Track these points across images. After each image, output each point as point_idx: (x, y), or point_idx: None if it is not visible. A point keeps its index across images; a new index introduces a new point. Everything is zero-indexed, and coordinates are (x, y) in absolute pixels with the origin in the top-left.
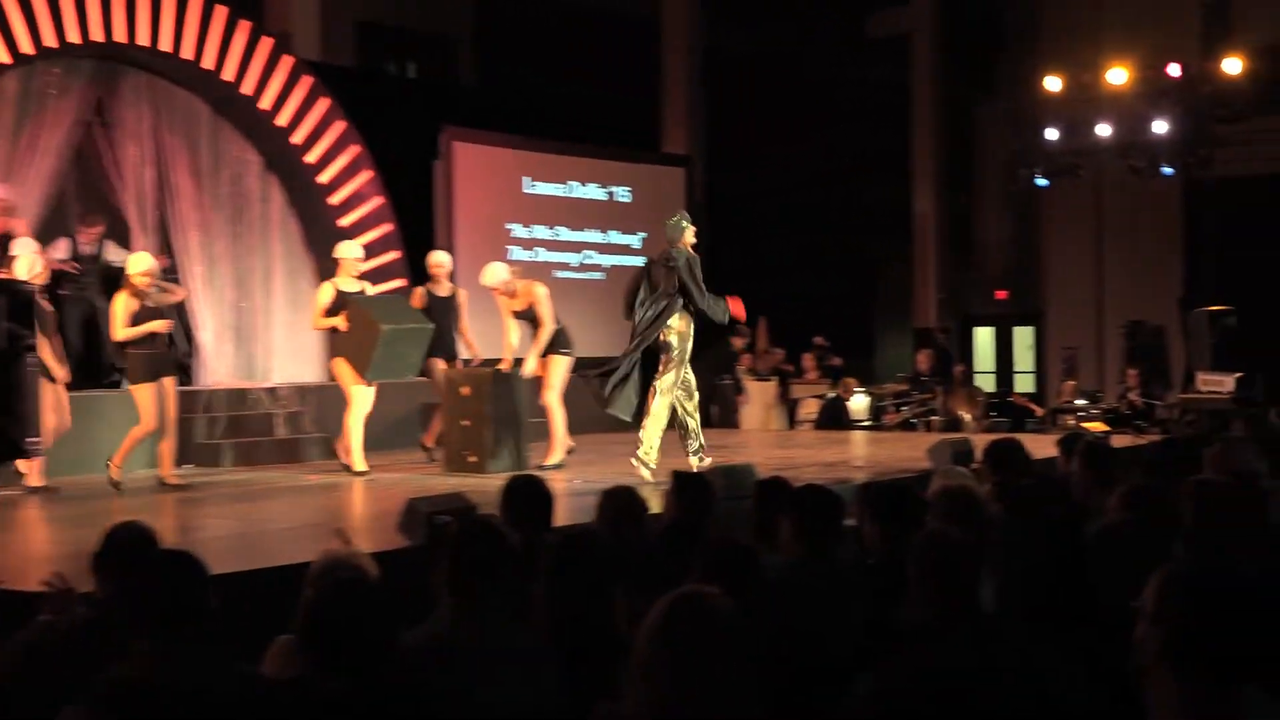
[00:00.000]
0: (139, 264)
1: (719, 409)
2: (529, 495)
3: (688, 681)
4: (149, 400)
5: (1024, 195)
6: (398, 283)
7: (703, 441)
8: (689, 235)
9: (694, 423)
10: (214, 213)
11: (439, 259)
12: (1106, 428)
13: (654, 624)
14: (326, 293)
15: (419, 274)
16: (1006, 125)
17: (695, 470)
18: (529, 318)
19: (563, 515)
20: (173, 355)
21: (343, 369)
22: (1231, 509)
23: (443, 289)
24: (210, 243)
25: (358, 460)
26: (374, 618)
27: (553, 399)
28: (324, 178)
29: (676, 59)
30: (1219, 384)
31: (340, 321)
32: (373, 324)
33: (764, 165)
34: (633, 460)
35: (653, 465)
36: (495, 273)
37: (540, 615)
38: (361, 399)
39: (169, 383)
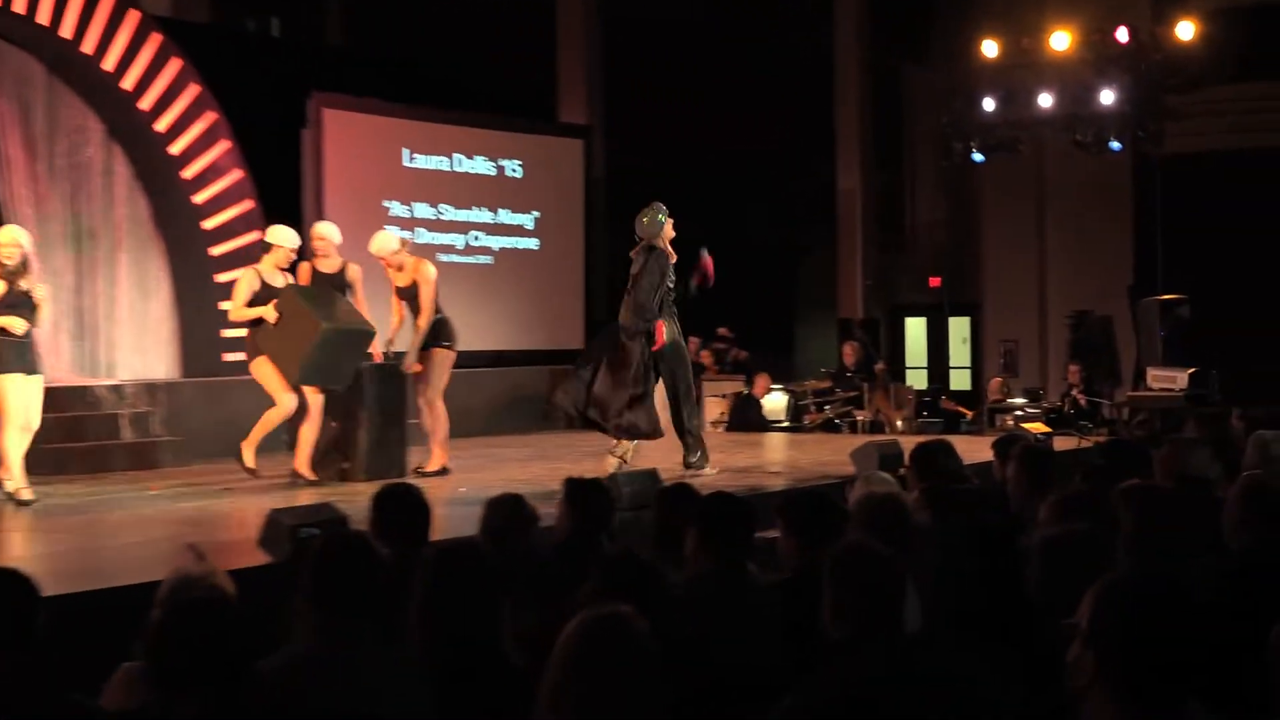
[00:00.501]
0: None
1: None
2: (402, 506)
3: (604, 710)
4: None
5: (958, 172)
6: None
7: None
8: (669, 230)
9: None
10: (49, 187)
11: (324, 231)
12: (1047, 429)
13: (567, 647)
14: (249, 281)
15: None
16: (939, 95)
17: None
18: (410, 298)
19: (447, 527)
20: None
21: (265, 370)
22: (1177, 518)
23: (329, 264)
24: (45, 221)
25: (302, 466)
26: (229, 641)
27: (434, 398)
28: (176, 148)
29: (573, 19)
30: (1170, 380)
31: (269, 312)
32: (310, 320)
33: (671, 138)
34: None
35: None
36: (385, 241)
37: (415, 637)
38: (289, 404)
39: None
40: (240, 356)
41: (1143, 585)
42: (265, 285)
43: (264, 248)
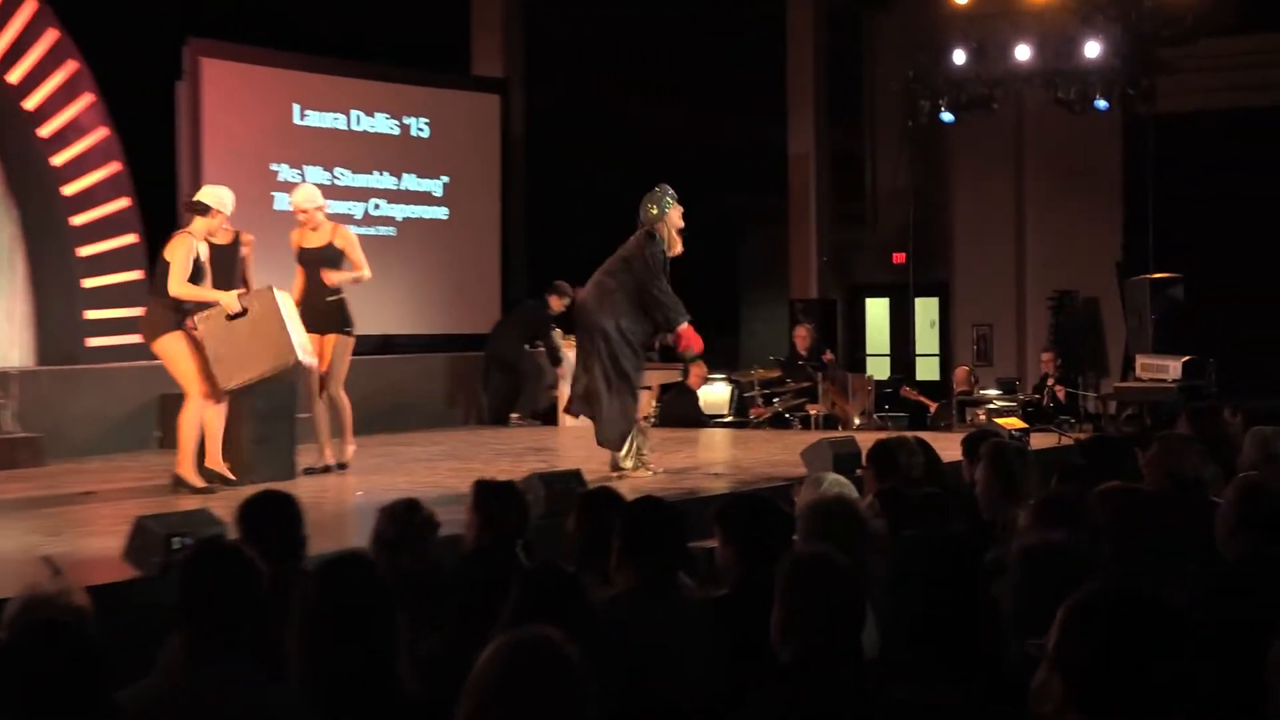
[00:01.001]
0: None
1: (520, 389)
2: (274, 514)
3: None
4: None
5: (926, 134)
6: (129, 238)
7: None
8: (675, 217)
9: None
10: None
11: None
12: (1023, 425)
13: (485, 676)
14: (187, 250)
15: (157, 227)
16: (904, 46)
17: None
18: (324, 261)
19: (340, 538)
20: None
21: (184, 357)
22: (1165, 523)
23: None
24: None
25: (189, 472)
26: (85, 667)
27: (337, 389)
28: (30, 103)
29: None
30: (1162, 370)
31: (230, 299)
32: (284, 340)
33: (599, 93)
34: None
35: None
36: (312, 193)
37: (296, 664)
38: (199, 407)
39: None
40: (108, 341)
41: (1118, 601)
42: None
43: (196, 209)
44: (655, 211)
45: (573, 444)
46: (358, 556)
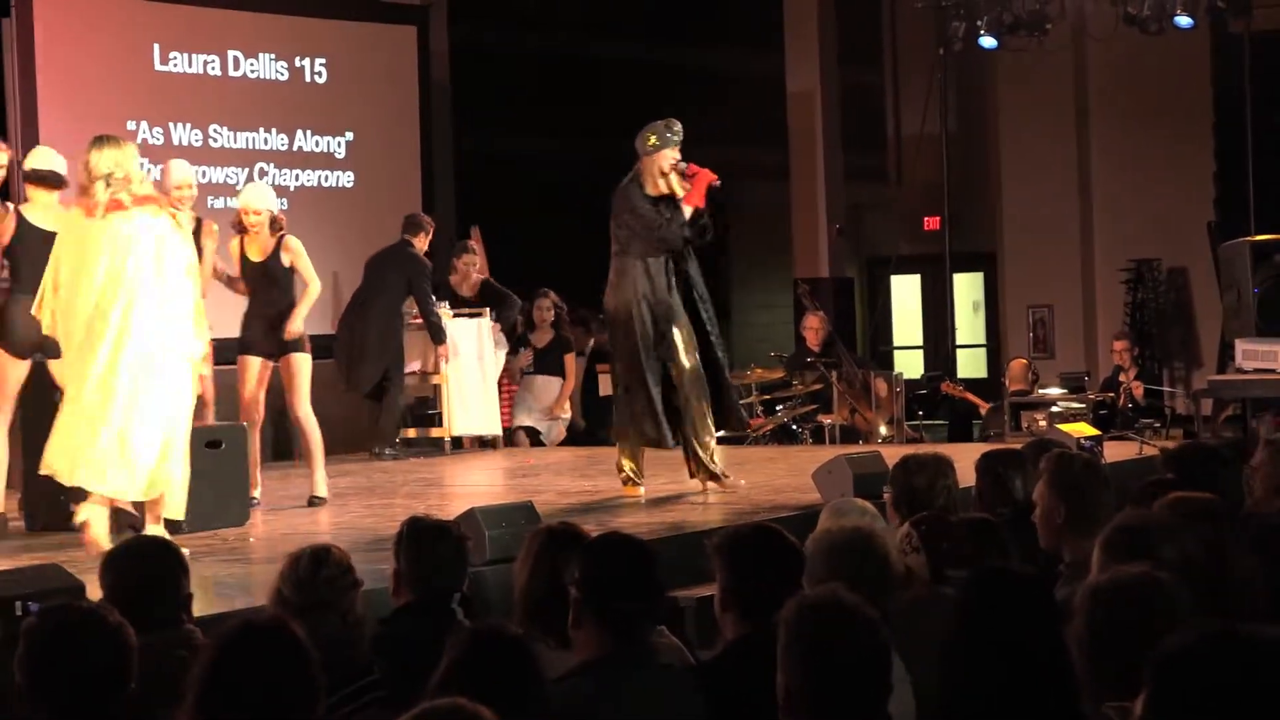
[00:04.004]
0: None
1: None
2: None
3: None
4: None
5: (962, 66)
6: None
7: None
8: (661, 160)
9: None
10: None
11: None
12: (1095, 431)
13: None
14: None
15: None
16: None
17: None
18: (272, 277)
19: (227, 596)
20: None
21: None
22: (1271, 551)
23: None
24: None
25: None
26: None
27: (305, 409)
28: None
29: None
30: (1269, 358)
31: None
32: None
33: (541, 21)
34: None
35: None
36: (265, 194)
37: None
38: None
39: None
40: None
41: (1220, 649)
42: (31, 227)
43: (34, 178)
44: (643, 144)
45: (531, 460)
46: (267, 620)
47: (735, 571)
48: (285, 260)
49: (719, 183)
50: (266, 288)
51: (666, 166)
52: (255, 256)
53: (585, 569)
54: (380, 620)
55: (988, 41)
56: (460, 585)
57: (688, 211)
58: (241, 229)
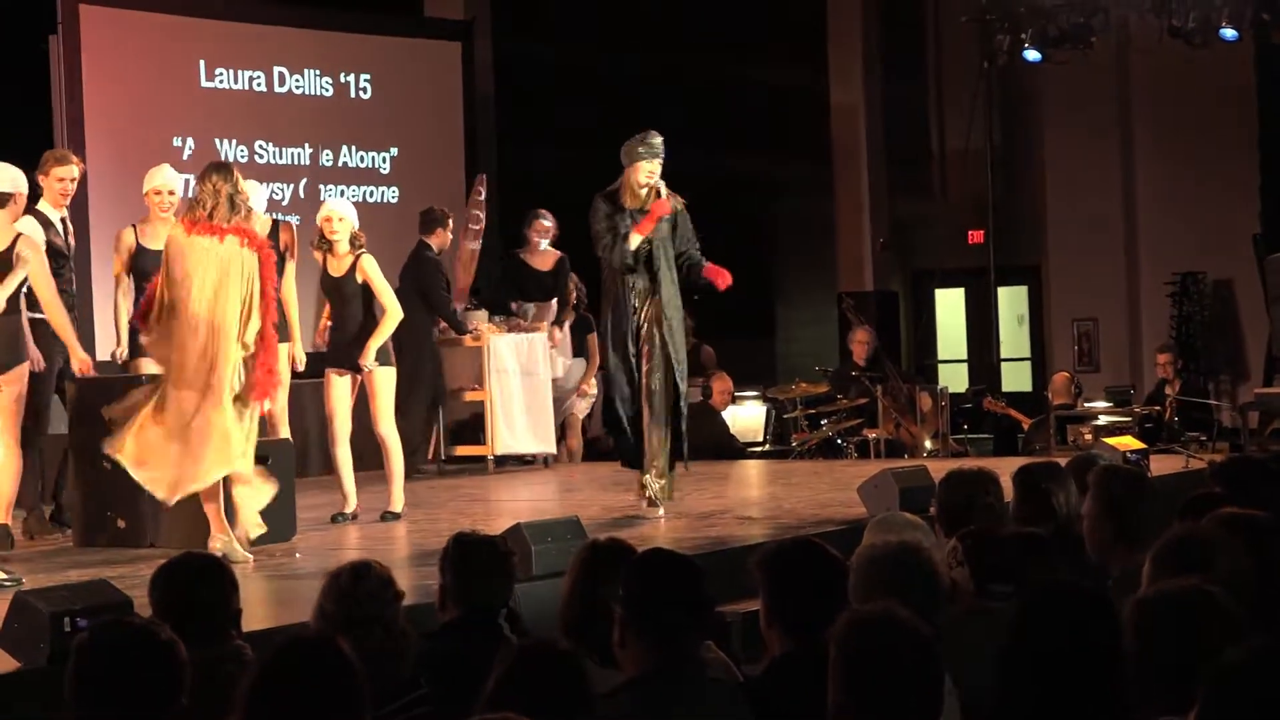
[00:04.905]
0: None
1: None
2: (198, 583)
3: None
4: None
5: (1007, 78)
6: None
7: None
8: (636, 173)
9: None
10: None
11: (165, 181)
12: (1141, 444)
13: None
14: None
15: None
16: None
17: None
18: (351, 295)
19: (275, 611)
20: None
21: None
22: None
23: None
24: None
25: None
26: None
27: (388, 425)
28: None
29: None
30: None
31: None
32: None
33: (587, 35)
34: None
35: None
36: (349, 208)
37: None
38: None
39: None
40: None
41: (1272, 668)
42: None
43: None
44: (623, 157)
45: (571, 478)
46: (312, 636)
47: (777, 587)
48: (358, 278)
49: (670, 214)
50: (341, 304)
51: (643, 179)
52: (334, 272)
53: (631, 585)
54: (426, 635)
55: (1032, 55)
56: (506, 601)
57: (634, 240)
58: (324, 243)
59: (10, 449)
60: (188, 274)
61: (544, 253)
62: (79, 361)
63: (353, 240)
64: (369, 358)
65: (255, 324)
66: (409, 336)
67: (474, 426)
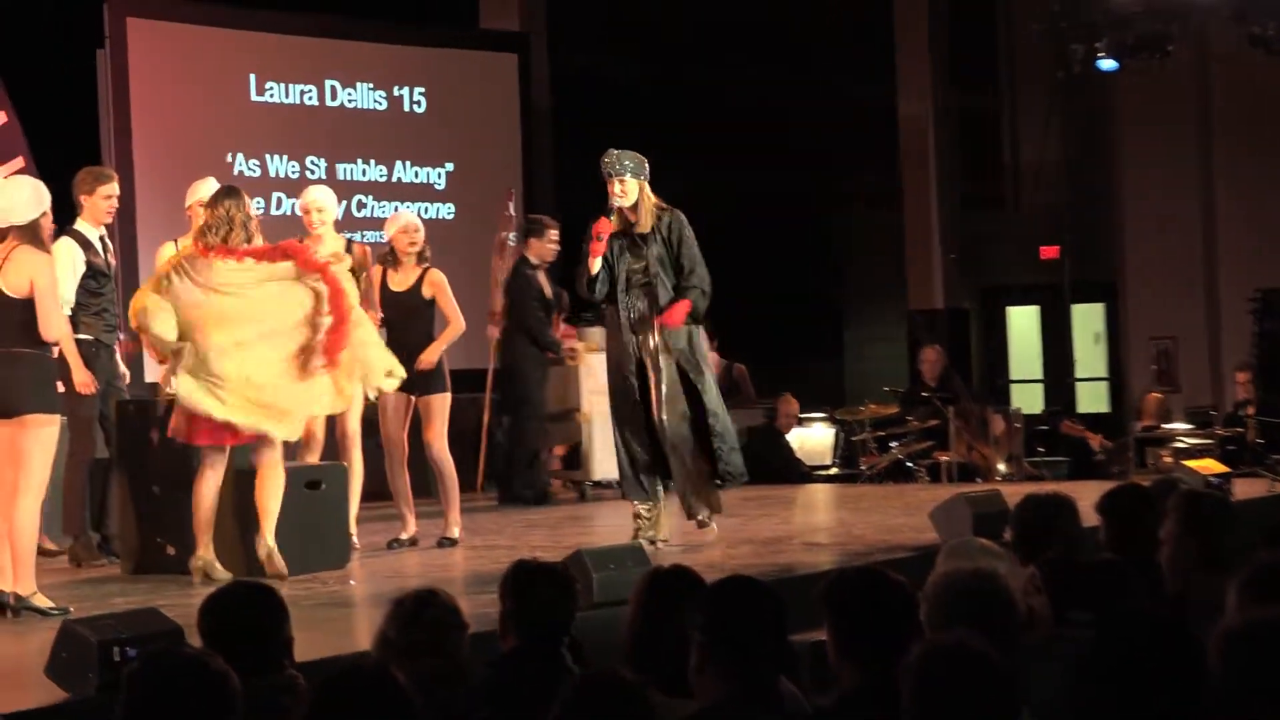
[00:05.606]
0: None
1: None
2: (250, 612)
3: None
4: None
5: (1081, 89)
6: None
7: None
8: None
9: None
10: None
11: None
12: (1224, 468)
13: None
14: None
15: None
16: None
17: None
18: (412, 308)
19: (328, 641)
20: None
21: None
22: None
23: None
24: None
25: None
26: None
27: (443, 448)
28: None
29: None
30: None
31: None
32: None
33: (647, 48)
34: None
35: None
36: (414, 221)
37: None
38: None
39: None
40: None
41: None
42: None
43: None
44: None
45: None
46: (369, 666)
47: (843, 618)
48: (426, 293)
49: (601, 239)
50: (403, 319)
51: (612, 200)
52: (397, 287)
53: (711, 613)
54: (487, 664)
55: (1107, 63)
56: (569, 629)
57: (595, 265)
58: (392, 258)
59: (35, 509)
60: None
61: None
62: (79, 383)
63: (420, 254)
64: (433, 354)
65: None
66: (510, 358)
67: (576, 450)
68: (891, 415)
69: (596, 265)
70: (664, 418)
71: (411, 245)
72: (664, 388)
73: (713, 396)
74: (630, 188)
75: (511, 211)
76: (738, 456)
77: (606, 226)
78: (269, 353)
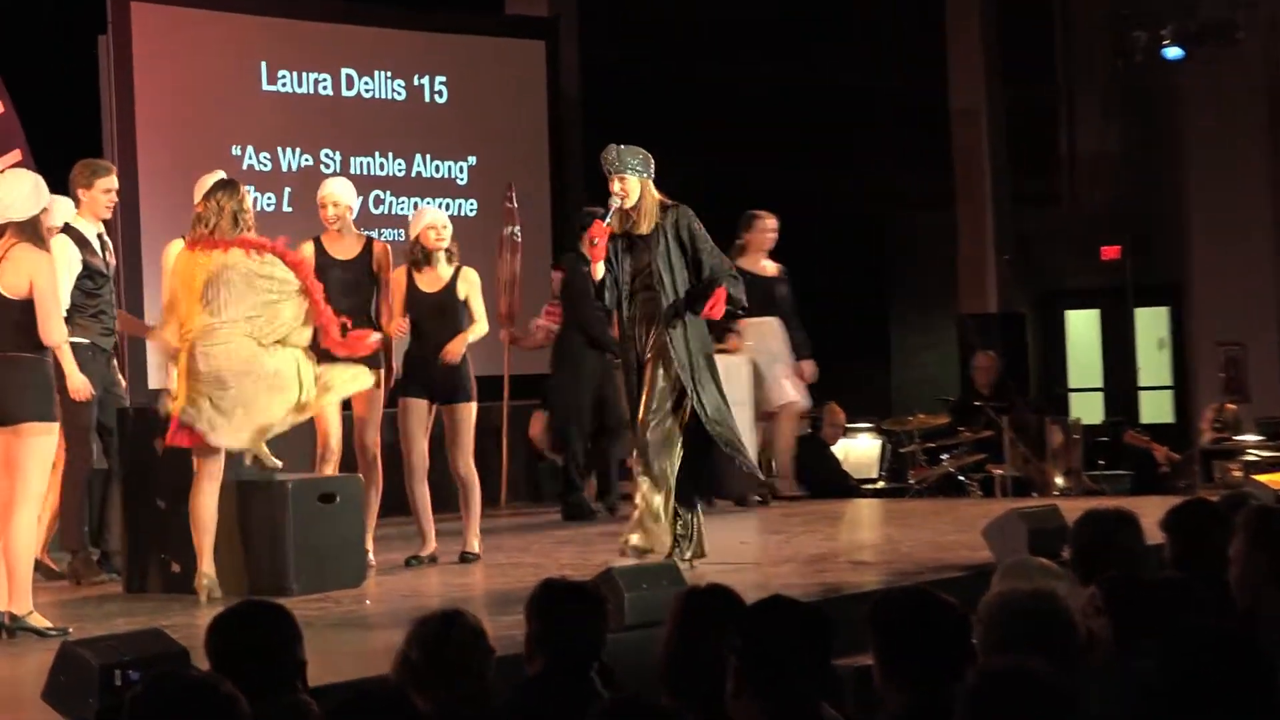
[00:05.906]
0: None
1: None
2: (259, 633)
3: None
4: None
5: (1144, 79)
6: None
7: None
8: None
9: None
10: None
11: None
12: None
13: None
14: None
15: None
16: None
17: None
18: (445, 307)
19: (344, 663)
20: None
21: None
22: None
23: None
24: None
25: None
26: None
27: (468, 461)
28: None
29: None
30: None
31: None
32: None
33: (679, 35)
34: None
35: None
36: (439, 216)
37: None
38: None
39: None
40: None
41: None
42: None
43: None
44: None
45: None
46: (386, 688)
47: (890, 641)
48: (461, 292)
49: (597, 243)
50: (432, 321)
51: (612, 200)
52: (426, 287)
53: (751, 635)
54: (512, 688)
55: (1173, 52)
56: (598, 652)
57: (598, 270)
58: (422, 256)
59: (33, 523)
60: (190, 290)
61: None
62: (74, 390)
63: (448, 253)
64: (459, 347)
65: (305, 333)
66: (563, 359)
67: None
68: (942, 426)
69: (600, 270)
70: (649, 423)
71: (439, 242)
72: (653, 403)
73: (714, 404)
74: (631, 186)
75: (513, 204)
76: (747, 455)
77: (602, 230)
78: (244, 340)
